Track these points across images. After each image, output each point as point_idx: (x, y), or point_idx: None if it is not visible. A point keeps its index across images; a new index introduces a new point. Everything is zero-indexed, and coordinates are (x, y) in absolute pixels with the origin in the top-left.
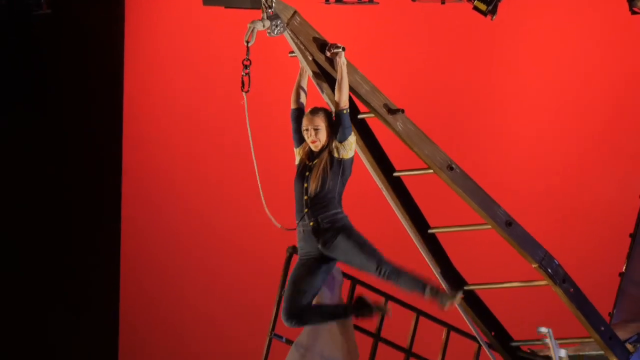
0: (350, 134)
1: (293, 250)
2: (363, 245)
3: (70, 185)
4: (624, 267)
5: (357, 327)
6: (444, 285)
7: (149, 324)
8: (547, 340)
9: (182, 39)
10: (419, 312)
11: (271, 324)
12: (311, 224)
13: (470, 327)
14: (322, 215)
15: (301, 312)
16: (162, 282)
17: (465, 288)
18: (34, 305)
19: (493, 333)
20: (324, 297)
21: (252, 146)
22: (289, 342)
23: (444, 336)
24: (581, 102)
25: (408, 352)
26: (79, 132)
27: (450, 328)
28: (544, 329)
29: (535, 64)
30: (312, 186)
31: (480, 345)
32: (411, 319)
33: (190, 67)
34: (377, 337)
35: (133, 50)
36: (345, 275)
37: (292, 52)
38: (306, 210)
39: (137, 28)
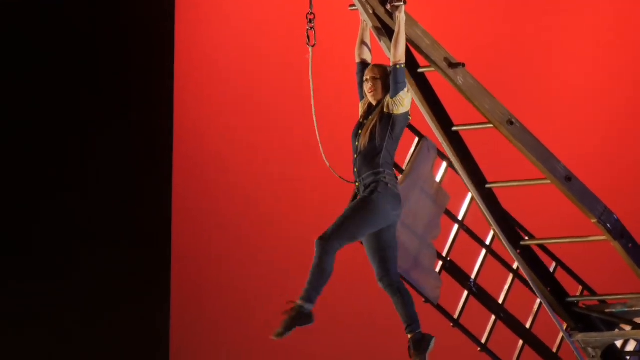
0: (402, 90)
1: None
2: (345, 217)
3: (118, 170)
4: None
5: (446, 211)
6: (502, 239)
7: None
8: None
9: (234, 23)
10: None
11: None
12: (357, 183)
13: (531, 283)
14: (365, 174)
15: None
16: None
17: (522, 243)
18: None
19: (549, 289)
20: (419, 171)
21: (312, 99)
22: None
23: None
24: None
25: (488, 248)
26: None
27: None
28: None
29: (599, 19)
30: (362, 142)
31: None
32: None
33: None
34: (460, 223)
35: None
36: (440, 154)
37: (353, 5)
38: (355, 169)
39: (188, 15)
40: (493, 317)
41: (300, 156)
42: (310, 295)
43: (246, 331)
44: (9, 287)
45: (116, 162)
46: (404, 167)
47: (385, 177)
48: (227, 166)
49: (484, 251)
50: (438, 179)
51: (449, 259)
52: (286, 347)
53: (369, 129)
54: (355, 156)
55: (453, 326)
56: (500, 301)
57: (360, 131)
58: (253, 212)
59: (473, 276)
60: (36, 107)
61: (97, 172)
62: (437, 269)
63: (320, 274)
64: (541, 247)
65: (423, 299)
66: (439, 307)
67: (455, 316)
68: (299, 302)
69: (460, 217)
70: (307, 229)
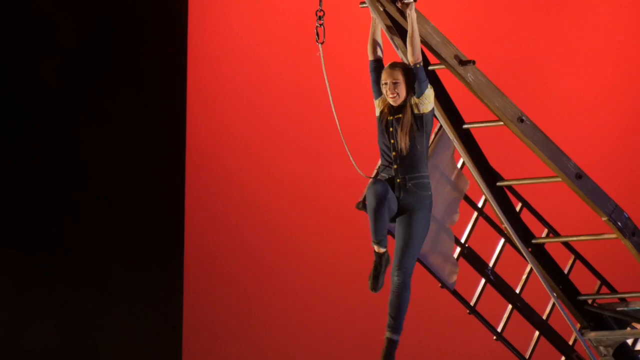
0: (426, 88)
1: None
2: (416, 238)
3: (134, 177)
4: None
5: (466, 197)
6: (513, 236)
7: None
8: None
9: (245, 22)
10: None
11: None
12: (398, 180)
13: (542, 281)
14: (411, 175)
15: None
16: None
17: (534, 241)
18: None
19: (561, 287)
20: (439, 156)
21: (330, 96)
22: None
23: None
24: None
25: (506, 236)
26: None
27: (552, 230)
28: None
29: (613, 19)
30: (402, 143)
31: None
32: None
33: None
34: (480, 210)
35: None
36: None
37: (364, 2)
38: (395, 166)
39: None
40: (510, 306)
41: (313, 159)
42: (399, 326)
43: (258, 335)
44: (9, 284)
45: (127, 162)
46: None
47: (429, 184)
48: (239, 171)
49: (502, 240)
50: (459, 165)
51: (467, 245)
52: (294, 345)
53: (408, 131)
54: (394, 154)
55: (469, 313)
56: (518, 290)
57: (391, 129)
58: (264, 216)
59: (491, 264)
60: (38, 105)
61: (107, 170)
62: (455, 255)
63: (405, 304)
64: (564, 243)
65: (440, 284)
66: (455, 293)
67: (472, 303)
68: (389, 335)
69: (479, 205)
70: (317, 232)
